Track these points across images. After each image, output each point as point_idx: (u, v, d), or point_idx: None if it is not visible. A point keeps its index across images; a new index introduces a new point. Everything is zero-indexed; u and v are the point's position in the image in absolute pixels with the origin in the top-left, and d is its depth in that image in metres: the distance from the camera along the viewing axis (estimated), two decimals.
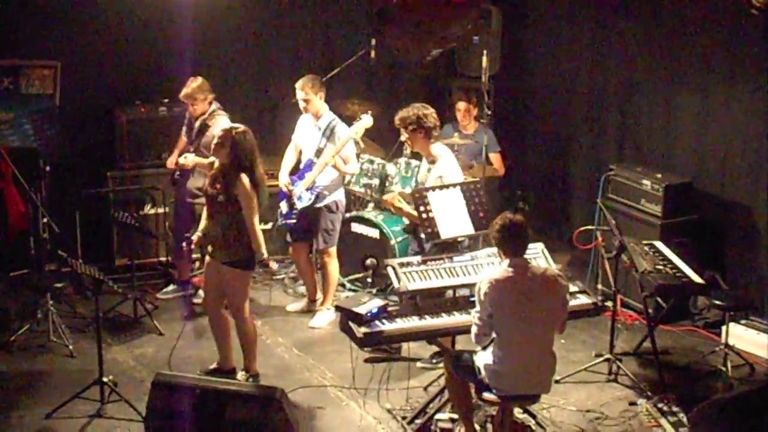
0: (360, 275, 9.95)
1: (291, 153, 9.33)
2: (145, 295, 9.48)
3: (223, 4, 10.53)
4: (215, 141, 7.67)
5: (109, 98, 10.31)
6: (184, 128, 9.55)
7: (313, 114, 9.10)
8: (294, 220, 9.19)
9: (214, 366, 8.14)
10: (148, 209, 10.06)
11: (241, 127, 7.74)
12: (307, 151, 9.15)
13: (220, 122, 8.99)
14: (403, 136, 8.30)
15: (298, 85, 9.04)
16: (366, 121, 9.03)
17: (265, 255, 7.73)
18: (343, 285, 9.90)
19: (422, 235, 7.99)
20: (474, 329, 6.62)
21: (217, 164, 7.78)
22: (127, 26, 10.37)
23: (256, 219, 7.67)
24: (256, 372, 8.05)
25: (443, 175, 8.10)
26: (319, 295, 9.51)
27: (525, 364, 6.51)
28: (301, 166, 9.21)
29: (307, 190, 9.05)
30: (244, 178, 7.58)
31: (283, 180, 9.17)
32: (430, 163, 8.29)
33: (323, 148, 9.02)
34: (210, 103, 9.16)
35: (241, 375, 8.01)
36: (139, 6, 10.24)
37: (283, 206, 9.22)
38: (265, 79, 11.19)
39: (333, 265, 9.32)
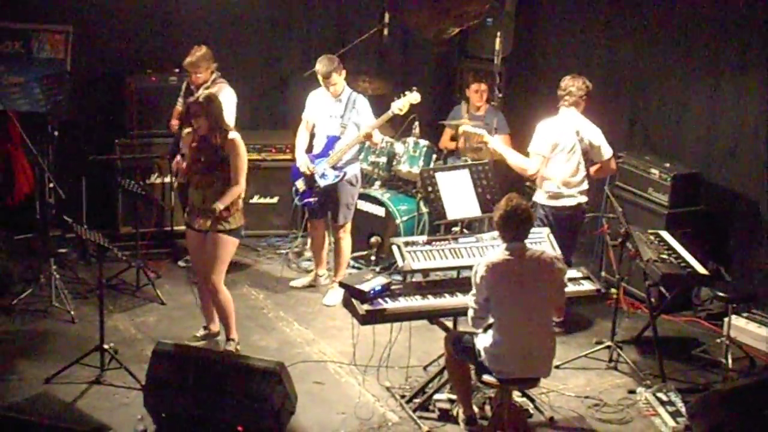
0: (364, 253, 9.93)
1: (304, 132, 9.15)
2: (147, 264, 9.46)
3: None
4: (192, 115, 7.60)
5: (120, 65, 10.29)
6: (181, 98, 9.50)
7: (337, 93, 8.97)
8: (315, 199, 9.10)
9: (203, 332, 8.24)
10: (155, 178, 10.03)
11: (204, 93, 7.85)
12: (328, 128, 9.01)
13: (225, 90, 8.97)
14: None
15: (324, 72, 8.80)
16: (413, 96, 8.91)
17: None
18: None
19: None
20: (470, 312, 6.64)
21: (185, 137, 7.81)
22: None
23: None
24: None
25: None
26: (323, 271, 9.50)
27: (523, 347, 6.51)
28: (320, 142, 9.07)
29: (332, 167, 8.97)
30: (233, 134, 7.68)
31: (303, 160, 9.01)
32: None
33: (347, 123, 8.94)
34: (212, 72, 9.11)
35: (230, 345, 8.04)
36: None
37: (300, 185, 9.11)
38: (276, 53, 11.14)
39: (348, 241, 9.28)
